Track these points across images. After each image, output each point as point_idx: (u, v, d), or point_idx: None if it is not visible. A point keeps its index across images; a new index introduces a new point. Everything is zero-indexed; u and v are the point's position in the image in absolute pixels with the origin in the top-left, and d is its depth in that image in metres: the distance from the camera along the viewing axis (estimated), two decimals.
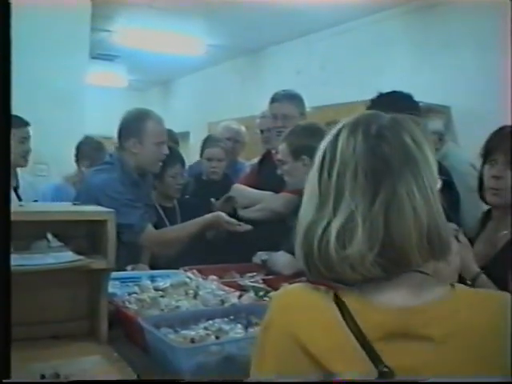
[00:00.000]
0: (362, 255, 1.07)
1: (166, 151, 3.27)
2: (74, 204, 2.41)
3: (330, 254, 1.09)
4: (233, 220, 3.18)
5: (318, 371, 1.06)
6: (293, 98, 3.65)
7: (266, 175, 3.58)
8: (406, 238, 1.08)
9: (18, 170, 4.08)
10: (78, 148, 4.73)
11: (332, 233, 1.09)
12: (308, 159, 2.92)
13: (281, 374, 1.11)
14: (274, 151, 3.62)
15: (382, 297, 1.12)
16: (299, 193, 3.21)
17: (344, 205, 1.10)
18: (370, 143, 1.13)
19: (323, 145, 1.21)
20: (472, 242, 2.13)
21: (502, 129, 2.18)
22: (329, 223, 1.11)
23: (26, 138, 3.97)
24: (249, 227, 3.17)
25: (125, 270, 2.85)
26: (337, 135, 1.18)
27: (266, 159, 3.79)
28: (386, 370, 1.04)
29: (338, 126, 1.20)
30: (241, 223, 3.19)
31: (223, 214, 3.21)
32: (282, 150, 3.01)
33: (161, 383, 1.75)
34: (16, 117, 3.61)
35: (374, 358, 1.05)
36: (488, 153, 2.16)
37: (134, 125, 3.20)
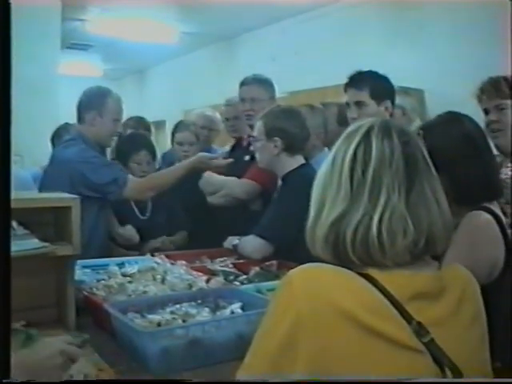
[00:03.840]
0: (404, 246, 1.21)
1: (120, 129, 3.49)
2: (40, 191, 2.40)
3: (368, 241, 1.21)
4: (214, 155, 3.36)
5: (357, 330, 1.15)
6: (261, 81, 3.66)
7: (234, 162, 3.59)
8: (434, 224, 1.24)
9: None
10: (56, 133, 4.68)
11: (373, 223, 1.21)
12: (280, 141, 2.92)
13: (319, 341, 1.16)
14: (245, 136, 3.62)
15: (400, 269, 1.24)
16: (260, 181, 3.23)
17: (382, 200, 1.22)
18: (402, 145, 1.27)
19: (350, 147, 1.29)
20: None
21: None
22: (364, 215, 1.22)
23: None
24: (230, 160, 3.33)
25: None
26: (366, 139, 1.28)
27: (237, 146, 3.79)
28: (417, 325, 1.18)
29: (362, 130, 1.31)
30: (217, 155, 3.39)
31: (205, 154, 3.38)
32: (258, 127, 3.00)
33: (161, 383, 1.73)
34: None
35: (405, 315, 1.19)
36: None
37: (95, 99, 3.35)
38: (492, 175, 2.08)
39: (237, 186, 3.33)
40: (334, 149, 1.34)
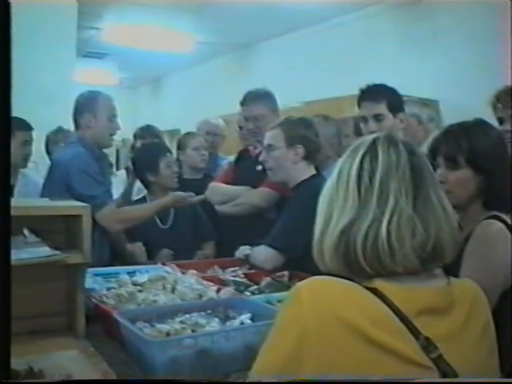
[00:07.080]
0: (412, 249, 1.22)
1: (119, 127, 3.52)
2: (51, 199, 2.40)
3: (378, 246, 1.22)
4: (187, 194, 3.40)
5: (364, 345, 1.14)
6: (260, 97, 3.63)
7: (243, 172, 3.61)
8: (441, 230, 1.25)
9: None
10: (50, 138, 4.75)
11: (382, 226, 1.22)
12: (302, 148, 2.92)
13: (324, 353, 1.15)
14: (251, 148, 3.63)
15: (408, 283, 1.25)
16: (277, 189, 3.21)
17: (391, 205, 1.24)
18: (408, 153, 1.30)
19: (356, 158, 1.31)
20: None
21: (445, 130, 2.13)
22: (374, 221, 1.23)
23: (27, 141, 4.10)
24: (201, 197, 3.44)
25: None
26: (372, 149, 1.31)
27: (243, 156, 3.79)
28: (425, 340, 1.17)
29: (367, 143, 1.33)
30: (192, 194, 3.41)
31: (178, 193, 3.43)
32: (274, 135, 2.98)
33: (161, 383, 1.73)
34: (19, 119, 3.79)
35: (413, 330, 1.18)
36: (431, 157, 2.08)
37: (87, 102, 3.43)
38: None
39: (255, 195, 3.32)
40: (339, 163, 1.36)
